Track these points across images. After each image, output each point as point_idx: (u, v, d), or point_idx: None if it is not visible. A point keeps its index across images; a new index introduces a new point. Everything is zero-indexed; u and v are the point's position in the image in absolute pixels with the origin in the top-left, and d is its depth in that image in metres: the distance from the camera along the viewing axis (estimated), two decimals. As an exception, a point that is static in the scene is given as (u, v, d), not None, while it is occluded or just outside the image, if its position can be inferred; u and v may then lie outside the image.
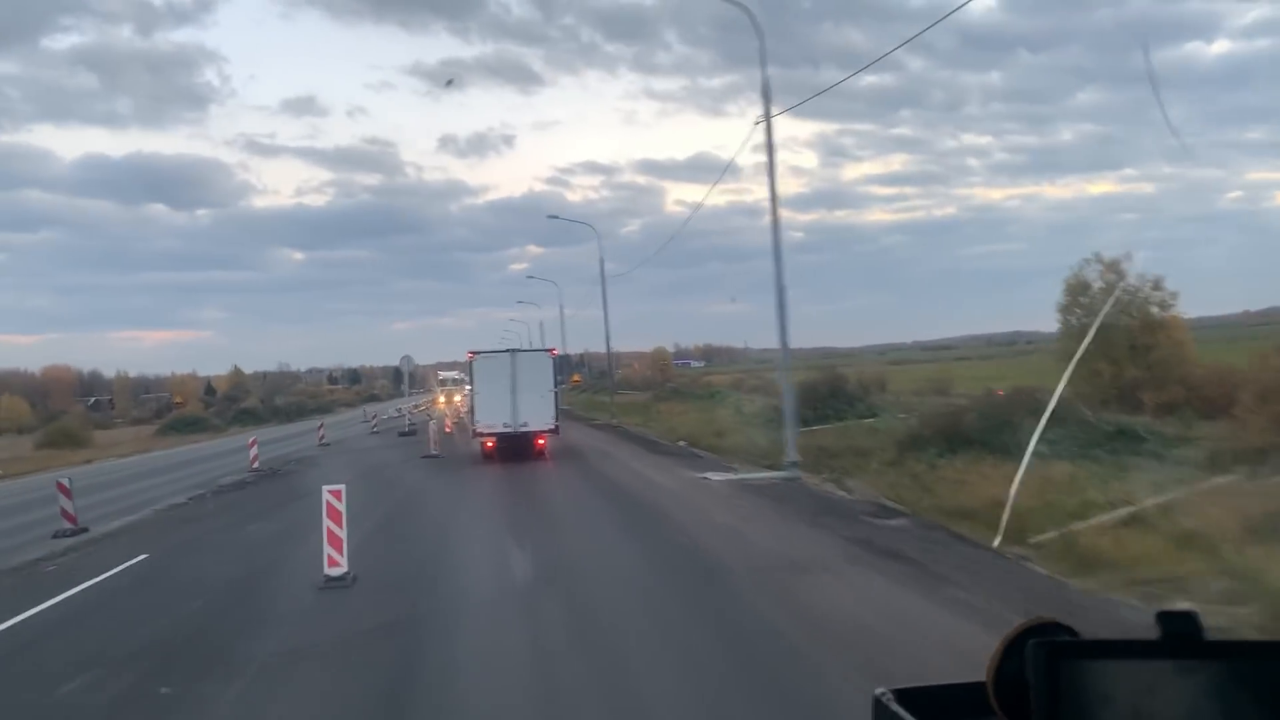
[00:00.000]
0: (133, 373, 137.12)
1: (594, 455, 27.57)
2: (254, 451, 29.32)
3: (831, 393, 31.79)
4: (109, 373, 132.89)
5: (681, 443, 29.57)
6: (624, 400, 58.61)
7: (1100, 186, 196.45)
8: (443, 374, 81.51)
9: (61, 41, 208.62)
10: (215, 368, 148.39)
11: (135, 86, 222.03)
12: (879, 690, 1.25)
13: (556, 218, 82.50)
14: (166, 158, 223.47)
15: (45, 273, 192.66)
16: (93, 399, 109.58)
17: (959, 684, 1.23)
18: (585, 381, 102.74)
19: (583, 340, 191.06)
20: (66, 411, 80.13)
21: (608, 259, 52.16)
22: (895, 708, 1.20)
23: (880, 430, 24.48)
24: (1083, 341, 17.96)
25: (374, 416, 57.71)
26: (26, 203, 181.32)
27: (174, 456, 41.73)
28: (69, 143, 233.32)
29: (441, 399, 68.86)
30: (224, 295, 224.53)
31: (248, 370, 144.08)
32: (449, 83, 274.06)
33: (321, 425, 45.75)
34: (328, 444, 39.10)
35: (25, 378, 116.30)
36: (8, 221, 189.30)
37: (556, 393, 27.64)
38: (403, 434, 40.81)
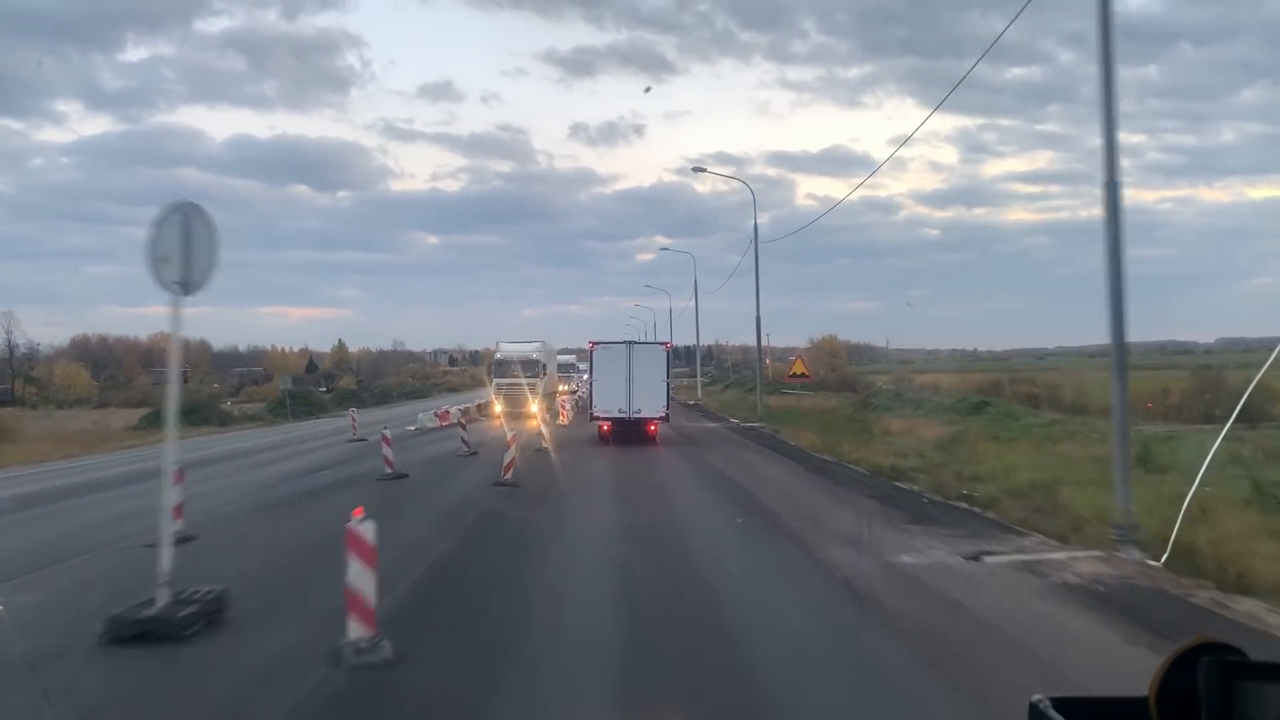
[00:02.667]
0: (265, 344, 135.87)
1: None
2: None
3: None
4: (243, 346, 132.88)
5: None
6: (785, 403, 49.74)
7: (1263, 191, 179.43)
8: (505, 349, 46.58)
9: (213, 25, 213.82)
10: (355, 344, 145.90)
11: (281, 69, 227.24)
12: (1036, 697, 1.21)
13: (702, 170, 77.78)
14: (310, 140, 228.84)
15: None
16: (185, 370, 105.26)
17: (1119, 698, 1.18)
18: (726, 376, 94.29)
19: (712, 332, 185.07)
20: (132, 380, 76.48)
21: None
22: (1053, 714, 1.16)
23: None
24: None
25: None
26: (183, 180, 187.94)
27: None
28: (220, 123, 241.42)
29: (500, 403, 41.95)
30: (362, 275, 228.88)
31: (358, 347, 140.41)
32: (647, 89, 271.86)
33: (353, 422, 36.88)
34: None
35: (131, 344, 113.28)
36: (166, 198, 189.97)
37: (668, 383, 30.08)
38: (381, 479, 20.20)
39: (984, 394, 40.83)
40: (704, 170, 75.51)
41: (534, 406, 38.61)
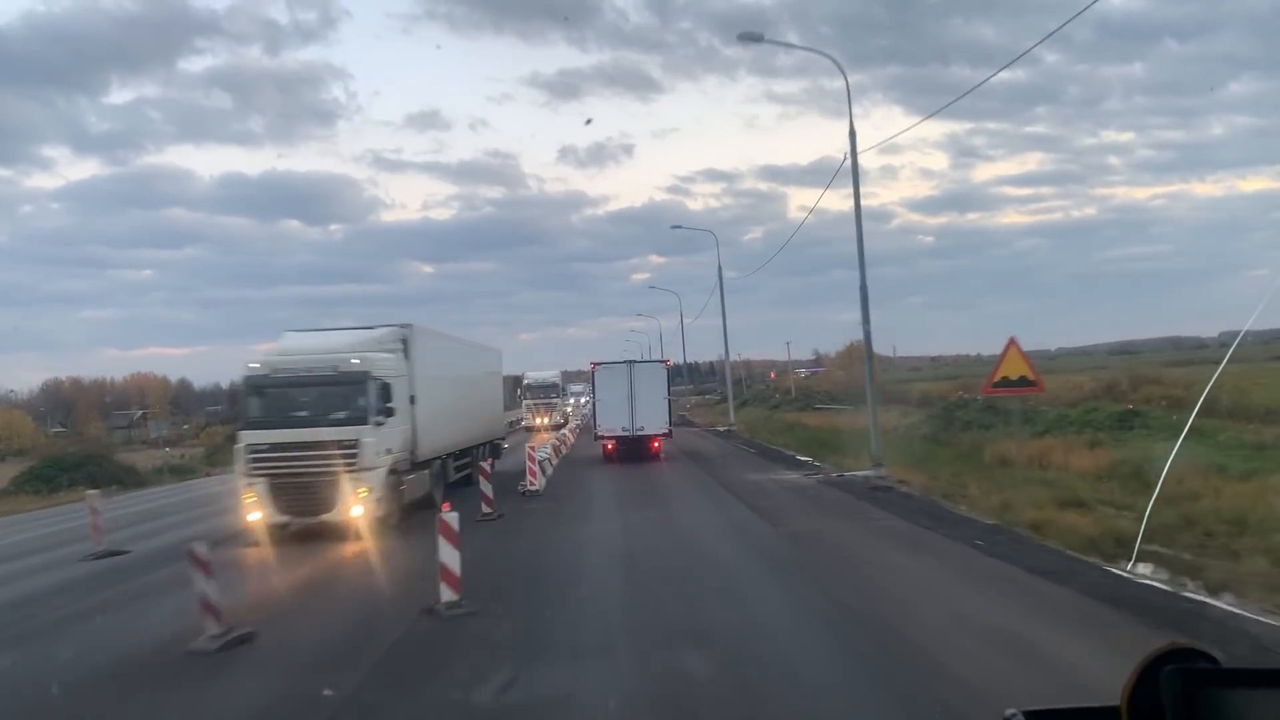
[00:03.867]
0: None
1: None
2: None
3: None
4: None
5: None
6: (819, 421, 40.66)
7: (1255, 183, 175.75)
8: (530, 375, 59.80)
9: (196, 64, 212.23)
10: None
11: (267, 105, 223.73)
12: (1009, 711, 1.18)
13: (680, 227, 75.76)
14: (299, 175, 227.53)
15: (191, 287, 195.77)
16: (140, 413, 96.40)
17: (1091, 708, 1.15)
18: (740, 392, 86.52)
19: (710, 348, 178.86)
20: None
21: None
22: None
23: None
24: None
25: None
26: (173, 221, 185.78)
27: None
28: (208, 162, 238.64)
29: (531, 415, 56.24)
30: (359, 308, 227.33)
31: None
32: (588, 121, 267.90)
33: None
34: None
35: (106, 387, 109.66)
36: (156, 239, 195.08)
37: (670, 400, 31.14)
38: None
39: (1099, 399, 31.62)
40: (680, 227, 65.01)
41: (557, 418, 55.71)
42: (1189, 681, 0.94)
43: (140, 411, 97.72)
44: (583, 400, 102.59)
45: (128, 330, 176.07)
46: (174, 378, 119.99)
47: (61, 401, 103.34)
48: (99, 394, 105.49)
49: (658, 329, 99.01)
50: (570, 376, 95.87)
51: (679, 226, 77.27)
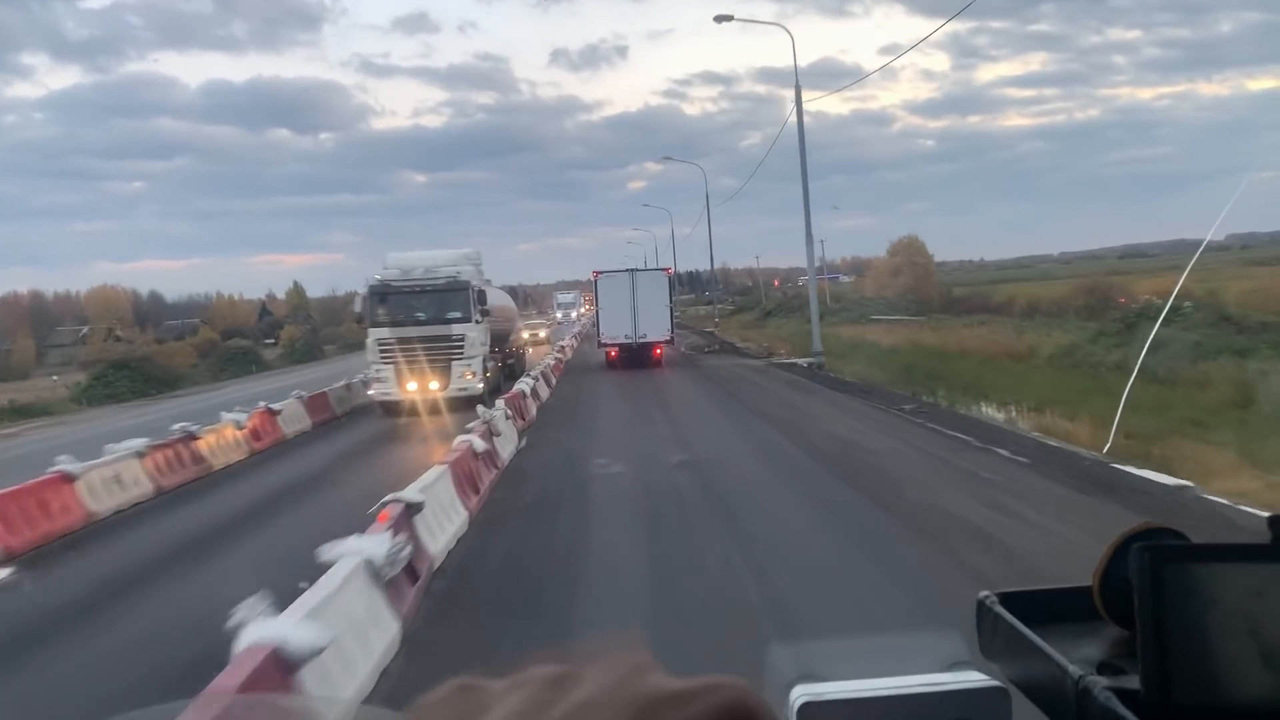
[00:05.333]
0: (253, 294, 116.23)
1: None
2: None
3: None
4: (258, 294, 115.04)
5: None
6: (893, 339, 30.65)
7: (1262, 82, 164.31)
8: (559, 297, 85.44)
9: None
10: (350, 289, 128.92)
11: (249, 8, 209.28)
12: (983, 593, 1.19)
13: (670, 159, 79.26)
14: (286, 81, 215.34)
15: (184, 199, 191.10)
16: (84, 330, 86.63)
17: (1064, 588, 1.17)
18: (754, 302, 76.51)
19: (705, 257, 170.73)
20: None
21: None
22: (999, 610, 1.16)
23: None
24: None
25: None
26: (160, 130, 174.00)
27: None
28: (192, 69, 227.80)
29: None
30: (353, 218, 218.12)
31: (347, 291, 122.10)
32: None
33: None
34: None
35: (70, 301, 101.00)
36: (144, 149, 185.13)
37: (671, 307, 31.55)
38: None
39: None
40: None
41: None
42: (1156, 558, 0.92)
43: (84, 328, 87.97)
44: (574, 313, 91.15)
45: (121, 243, 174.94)
46: (171, 292, 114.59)
47: (17, 317, 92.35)
48: (67, 309, 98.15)
49: (654, 239, 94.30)
50: (568, 286, 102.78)
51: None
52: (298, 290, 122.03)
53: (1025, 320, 32.35)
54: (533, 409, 18.67)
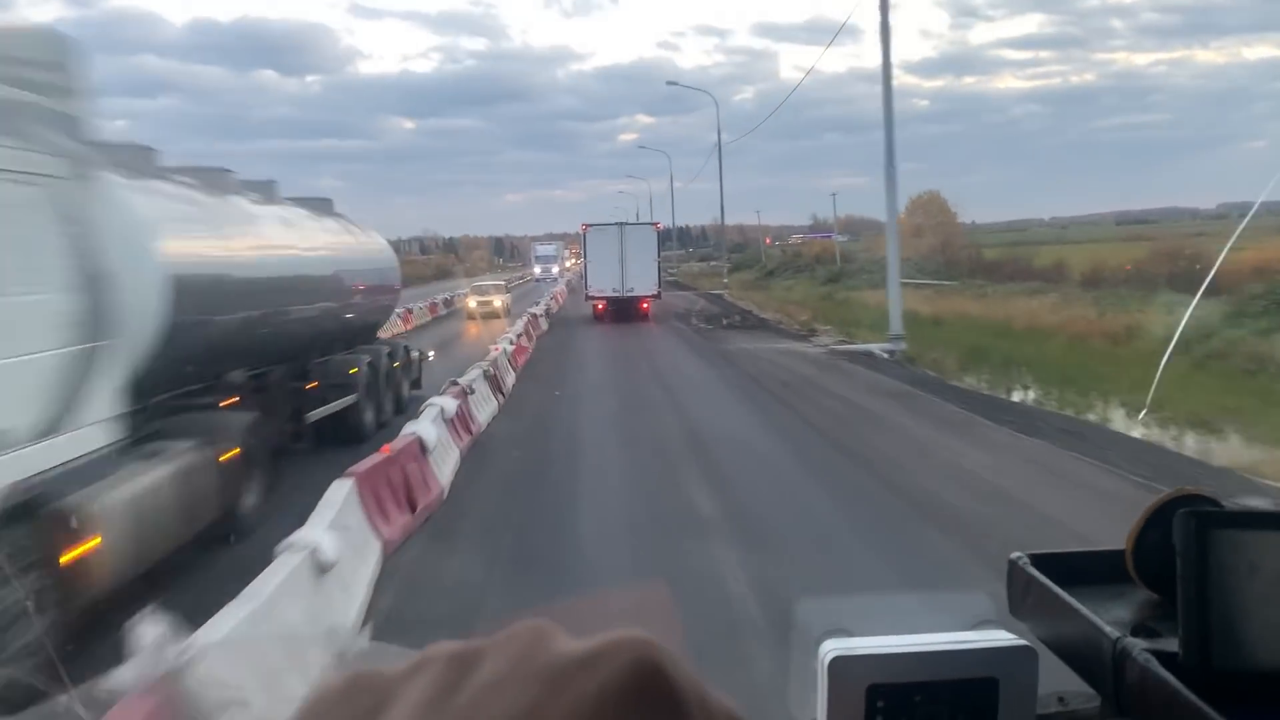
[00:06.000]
0: None
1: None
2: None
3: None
4: None
5: None
6: (949, 308, 26.35)
7: (1259, 50, 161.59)
8: (539, 248, 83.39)
9: None
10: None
11: None
12: (1014, 554, 1.21)
13: (675, 84, 69.51)
14: (273, 21, 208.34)
15: (169, 139, 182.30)
16: None
17: (1096, 551, 1.19)
18: (755, 259, 72.21)
19: (699, 213, 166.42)
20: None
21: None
22: (1031, 571, 1.17)
23: None
24: None
25: None
26: (144, 68, 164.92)
27: None
28: (178, 6, 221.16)
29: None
30: (341, 163, 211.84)
31: None
32: None
33: None
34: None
35: None
36: (129, 87, 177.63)
37: (659, 262, 31.55)
38: None
39: None
40: (675, 84, 54.17)
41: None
42: (1201, 523, 0.93)
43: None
44: (555, 268, 76.85)
45: None
46: None
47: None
48: None
49: (647, 191, 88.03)
50: (551, 239, 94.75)
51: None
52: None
53: (1090, 289, 27.52)
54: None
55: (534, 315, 26.41)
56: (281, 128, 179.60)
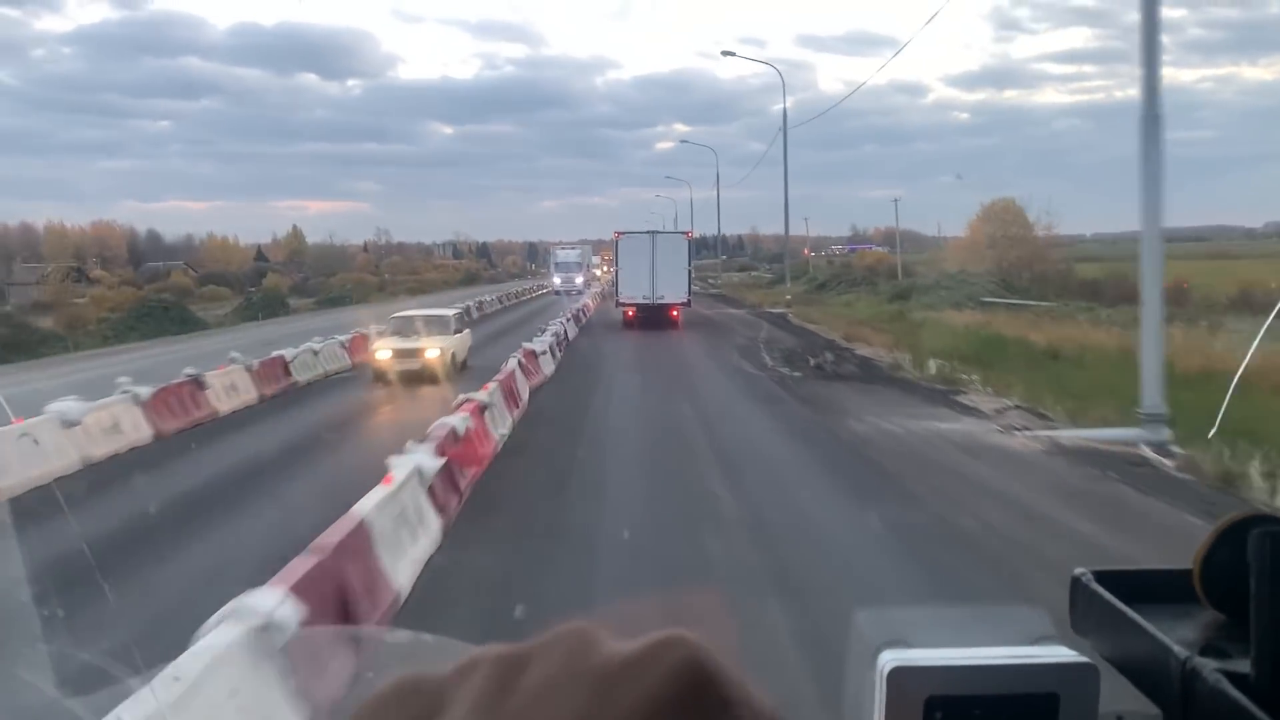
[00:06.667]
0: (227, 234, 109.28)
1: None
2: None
3: None
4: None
5: None
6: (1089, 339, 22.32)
7: None
8: (559, 253, 69.35)
9: None
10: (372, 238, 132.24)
11: None
12: (1078, 570, 1.17)
13: (731, 54, 69.10)
14: (315, 26, 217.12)
15: (210, 140, 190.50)
16: (50, 267, 78.25)
17: (1162, 569, 1.16)
18: (804, 270, 68.17)
19: (730, 223, 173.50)
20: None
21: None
22: (1095, 587, 1.14)
23: None
24: None
25: None
26: (188, 70, 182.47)
27: None
28: (221, 9, 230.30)
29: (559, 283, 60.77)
30: (379, 167, 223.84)
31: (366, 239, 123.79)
32: None
33: None
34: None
35: (74, 234, 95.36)
36: (172, 89, 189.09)
37: (690, 270, 31.20)
38: None
39: None
40: (732, 55, 53.82)
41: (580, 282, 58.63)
42: (1276, 543, 0.90)
43: (49, 266, 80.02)
44: (579, 278, 60.11)
45: (147, 182, 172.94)
46: (198, 233, 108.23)
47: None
48: (58, 243, 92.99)
49: (685, 198, 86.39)
50: (576, 244, 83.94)
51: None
52: (296, 235, 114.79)
53: (1237, 313, 23.15)
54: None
55: (528, 354, 18.03)
56: (321, 130, 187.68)
